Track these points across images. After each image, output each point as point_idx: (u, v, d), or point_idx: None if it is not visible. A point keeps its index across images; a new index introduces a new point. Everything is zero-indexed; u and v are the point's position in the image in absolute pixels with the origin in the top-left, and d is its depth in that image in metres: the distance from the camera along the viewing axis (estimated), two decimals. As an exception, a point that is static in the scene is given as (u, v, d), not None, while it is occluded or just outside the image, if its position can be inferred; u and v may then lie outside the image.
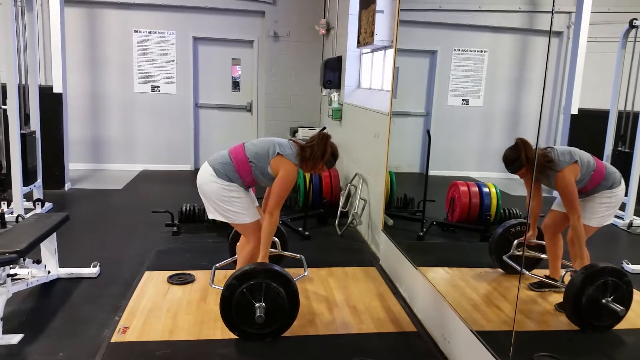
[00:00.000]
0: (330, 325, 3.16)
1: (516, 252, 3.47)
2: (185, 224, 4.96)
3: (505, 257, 3.48)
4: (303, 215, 5.13)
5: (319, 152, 3.06)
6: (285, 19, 7.58)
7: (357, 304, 3.46)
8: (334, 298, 3.54)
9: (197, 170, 3.15)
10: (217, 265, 3.65)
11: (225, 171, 3.01)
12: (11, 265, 2.96)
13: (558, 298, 3.12)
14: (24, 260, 3.09)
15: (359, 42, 5.76)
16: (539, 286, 3.32)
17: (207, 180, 3.04)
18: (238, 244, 3.43)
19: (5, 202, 5.04)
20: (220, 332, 2.94)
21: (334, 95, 6.41)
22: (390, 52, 4.80)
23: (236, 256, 3.60)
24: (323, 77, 6.46)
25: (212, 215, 3.11)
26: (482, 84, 5.11)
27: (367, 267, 4.17)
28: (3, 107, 5.11)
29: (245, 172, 3.03)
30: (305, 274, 3.54)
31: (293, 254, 3.72)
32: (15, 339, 2.84)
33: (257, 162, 3.02)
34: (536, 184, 3.14)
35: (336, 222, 5.26)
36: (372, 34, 5.04)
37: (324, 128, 3.49)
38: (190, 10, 7.56)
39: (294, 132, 7.39)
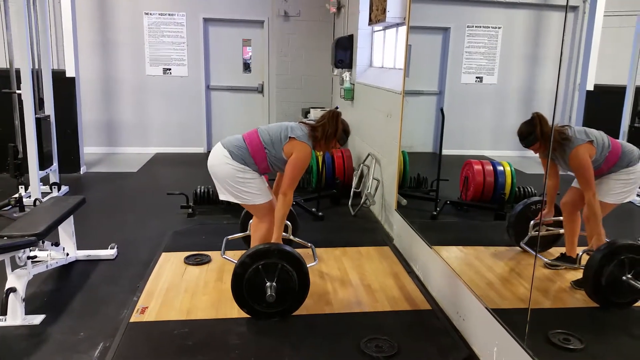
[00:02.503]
0: (345, 304, 3.18)
1: (533, 233, 3.45)
2: (200, 206, 5.00)
3: (522, 244, 3.48)
4: (316, 196, 5.14)
5: (330, 130, 3.06)
6: (295, -3, 7.50)
7: (372, 283, 3.48)
8: (348, 277, 3.57)
9: (210, 152, 3.14)
10: (229, 237, 3.68)
11: (241, 155, 3.00)
12: (31, 248, 3.01)
13: (574, 275, 3.11)
14: (43, 242, 3.14)
15: (370, 19, 5.69)
16: (555, 262, 3.32)
17: (220, 161, 3.02)
18: (251, 223, 3.44)
19: (23, 186, 5.11)
20: (237, 311, 2.98)
21: (346, 74, 6.36)
22: (403, 30, 4.74)
23: (247, 232, 3.63)
24: (334, 57, 6.40)
25: (224, 196, 3.11)
26: (496, 61, 5.05)
27: (381, 246, 4.18)
28: (17, 91, 5.16)
29: (260, 158, 3.03)
30: (315, 263, 3.43)
31: (304, 241, 3.67)
32: (37, 319, 2.91)
33: (271, 148, 3.02)
34: (552, 164, 3.11)
35: (349, 203, 5.26)
36: (384, 11, 4.97)
37: (337, 108, 3.46)
38: (200, -9, 7.52)
39: (305, 112, 7.36)
